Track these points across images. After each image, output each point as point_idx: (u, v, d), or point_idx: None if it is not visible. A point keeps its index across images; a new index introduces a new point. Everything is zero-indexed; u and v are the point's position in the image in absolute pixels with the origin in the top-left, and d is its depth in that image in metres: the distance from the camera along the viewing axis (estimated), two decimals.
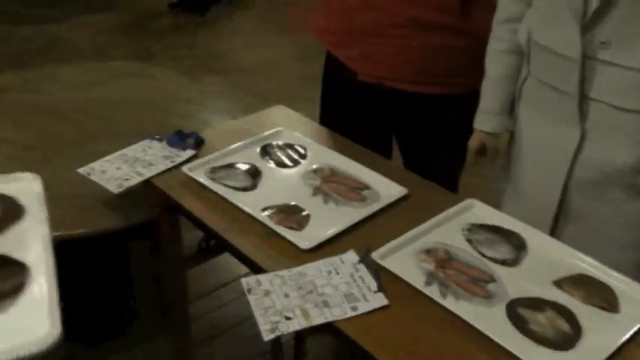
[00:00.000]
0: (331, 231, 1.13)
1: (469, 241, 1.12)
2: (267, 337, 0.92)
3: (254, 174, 1.31)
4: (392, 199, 1.22)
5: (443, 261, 1.06)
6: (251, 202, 1.20)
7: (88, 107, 1.75)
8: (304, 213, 1.19)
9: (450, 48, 1.49)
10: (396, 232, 1.11)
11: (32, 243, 0.91)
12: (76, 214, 1.32)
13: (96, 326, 1.64)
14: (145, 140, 1.41)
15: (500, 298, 0.99)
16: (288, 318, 0.95)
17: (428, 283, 1.01)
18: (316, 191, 1.26)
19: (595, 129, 1.21)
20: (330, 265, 1.05)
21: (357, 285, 1.01)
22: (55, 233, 1.24)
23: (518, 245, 1.11)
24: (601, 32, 1.14)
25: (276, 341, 1.55)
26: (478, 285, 1.01)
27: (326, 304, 0.98)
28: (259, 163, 1.34)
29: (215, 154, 1.35)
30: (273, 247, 1.11)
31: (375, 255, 1.06)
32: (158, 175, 1.30)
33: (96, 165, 1.33)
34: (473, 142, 1.43)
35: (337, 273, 1.04)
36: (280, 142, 1.42)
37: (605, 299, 1.00)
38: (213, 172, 1.30)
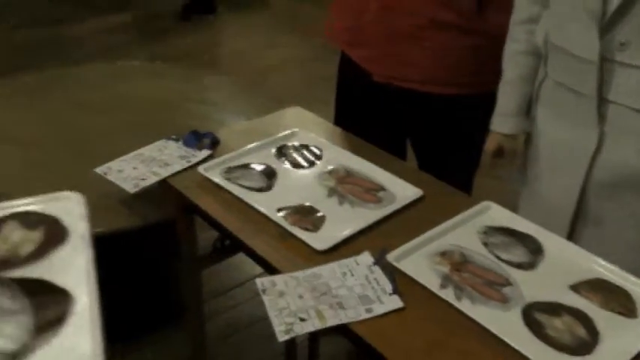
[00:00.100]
0: (346, 232, 1.13)
1: (485, 244, 1.11)
2: (282, 338, 0.92)
3: (269, 174, 1.31)
4: (407, 201, 1.22)
5: (458, 264, 1.06)
6: (266, 203, 1.20)
7: (104, 107, 1.76)
8: (319, 214, 1.19)
9: (464, 49, 1.48)
10: (411, 234, 1.11)
11: (75, 268, 0.87)
12: (91, 213, 1.33)
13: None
14: (161, 140, 1.42)
15: (516, 302, 0.98)
16: (302, 319, 0.95)
17: (443, 286, 1.01)
18: (331, 192, 1.26)
19: (613, 131, 1.20)
20: (345, 266, 1.05)
21: (372, 287, 1.01)
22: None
23: (535, 249, 1.11)
24: (620, 33, 1.13)
25: (291, 342, 1.55)
26: (494, 288, 1.01)
27: (340, 305, 0.98)
28: (275, 164, 1.35)
29: (231, 154, 1.36)
30: (288, 247, 1.11)
31: (390, 257, 1.06)
32: (174, 175, 1.30)
33: (113, 164, 1.34)
34: (489, 144, 1.42)
35: (352, 275, 1.03)
36: (296, 143, 1.42)
37: (623, 304, 0.99)
38: (229, 172, 1.30)
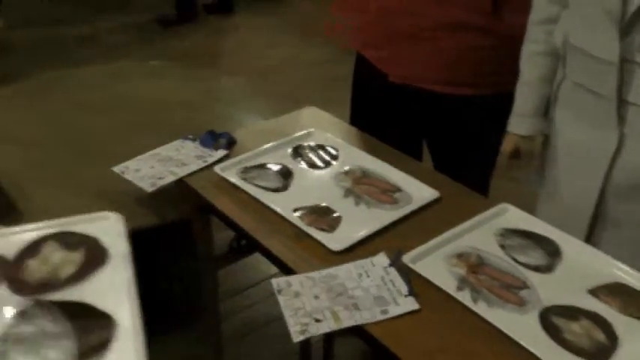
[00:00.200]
0: (362, 233, 1.12)
1: (502, 246, 1.10)
2: (297, 338, 0.92)
3: (285, 174, 1.31)
4: (424, 202, 1.21)
5: (475, 266, 1.05)
6: (282, 203, 1.20)
7: (121, 106, 1.77)
8: (335, 214, 1.19)
9: (480, 49, 1.47)
10: (427, 235, 1.11)
11: (117, 291, 0.85)
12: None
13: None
14: (178, 140, 1.43)
15: (533, 305, 0.97)
16: (317, 320, 0.95)
17: (459, 289, 1.00)
18: (347, 193, 1.25)
19: (633, 133, 1.18)
20: (361, 267, 1.05)
21: (388, 288, 1.01)
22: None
23: (552, 251, 1.09)
24: None
25: (306, 342, 1.55)
26: (511, 291, 1.00)
27: (356, 306, 0.97)
28: (291, 164, 1.35)
29: (247, 154, 1.36)
30: (304, 248, 1.11)
31: (406, 258, 1.05)
32: (191, 174, 1.31)
33: (130, 163, 1.35)
34: (506, 145, 1.41)
35: (368, 276, 1.03)
36: (312, 143, 1.42)
37: None
38: (245, 172, 1.31)
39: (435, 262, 1.06)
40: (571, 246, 1.11)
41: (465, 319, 0.95)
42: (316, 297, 0.99)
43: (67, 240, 0.93)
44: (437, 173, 1.39)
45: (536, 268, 1.05)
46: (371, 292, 1.00)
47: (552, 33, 1.30)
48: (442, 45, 1.48)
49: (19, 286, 0.85)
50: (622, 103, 1.17)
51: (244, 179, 1.28)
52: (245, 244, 1.41)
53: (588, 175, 1.26)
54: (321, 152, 1.39)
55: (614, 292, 1.00)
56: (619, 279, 1.03)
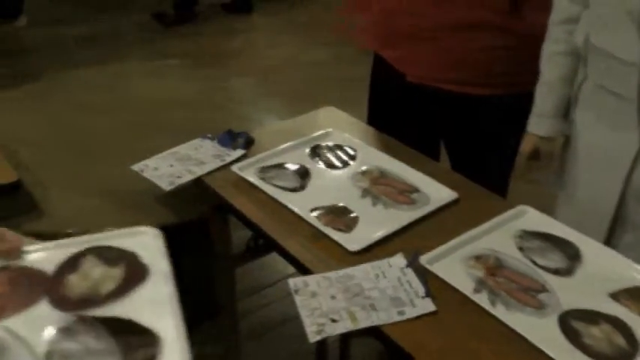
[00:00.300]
0: (379, 234, 1.12)
1: (520, 248, 1.09)
2: (314, 338, 0.92)
3: (303, 174, 1.31)
4: (441, 203, 1.21)
5: (493, 268, 1.04)
6: (300, 203, 1.20)
7: (137, 105, 1.78)
8: (352, 215, 1.18)
9: (499, 49, 1.46)
10: (445, 236, 1.10)
11: (160, 307, 0.83)
12: (127, 210, 1.35)
13: None
14: (196, 139, 1.43)
15: (552, 308, 0.96)
16: (334, 320, 0.95)
17: (477, 291, 0.99)
18: (365, 193, 1.25)
19: None
20: (378, 268, 1.05)
21: (405, 289, 1.00)
22: (107, 228, 1.29)
23: (572, 254, 1.08)
24: None
25: (322, 342, 1.55)
26: (529, 294, 0.99)
27: (373, 307, 0.97)
28: (309, 164, 1.35)
29: (265, 153, 1.36)
30: (321, 248, 1.11)
31: (423, 259, 1.05)
32: (208, 173, 1.31)
33: (149, 162, 1.36)
34: (525, 146, 1.40)
35: (385, 276, 1.03)
36: (330, 143, 1.42)
37: None
38: (263, 171, 1.31)
39: (452, 263, 1.05)
40: (591, 249, 1.09)
41: (482, 322, 0.94)
42: (333, 297, 0.99)
43: (106, 255, 0.92)
44: (455, 174, 1.38)
45: (556, 271, 1.04)
46: (388, 293, 0.99)
47: (573, 33, 1.28)
48: (459, 45, 1.47)
49: (60, 301, 0.84)
50: None
51: (262, 179, 1.28)
52: (262, 244, 1.41)
53: (609, 177, 1.25)
54: (339, 152, 1.39)
55: (635, 296, 0.99)
56: None
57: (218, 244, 1.39)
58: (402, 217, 1.17)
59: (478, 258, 1.06)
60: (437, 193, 1.24)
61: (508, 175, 1.66)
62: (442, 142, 1.72)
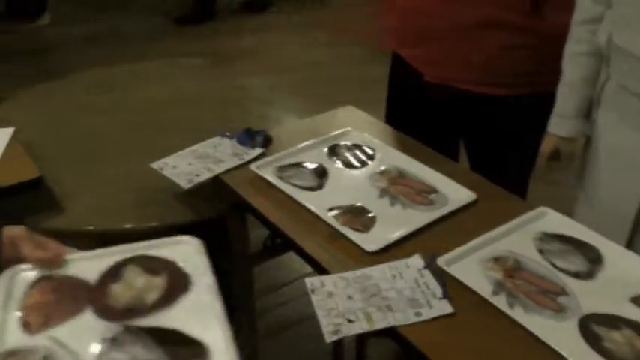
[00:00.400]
0: (397, 234, 1.12)
1: (540, 250, 1.08)
2: (330, 338, 0.92)
3: (321, 174, 1.31)
4: (460, 204, 1.20)
5: (512, 270, 1.03)
6: (317, 202, 1.20)
7: (155, 103, 1.79)
8: (370, 215, 1.18)
9: (518, 48, 1.45)
10: (463, 238, 1.09)
11: (206, 317, 0.81)
12: (146, 207, 1.36)
13: None
14: (215, 137, 1.44)
15: (572, 312, 0.95)
16: (350, 320, 0.95)
17: (495, 293, 0.98)
18: (383, 193, 1.25)
19: None
20: (395, 268, 1.04)
21: (422, 291, 1.00)
22: (126, 226, 1.30)
23: (593, 257, 1.07)
24: None
25: (338, 342, 1.55)
26: (549, 297, 0.98)
27: (389, 308, 0.97)
28: (327, 163, 1.35)
29: (283, 152, 1.36)
30: (338, 248, 1.10)
31: (441, 261, 1.04)
32: (227, 172, 1.32)
33: (168, 160, 1.37)
34: (545, 146, 1.39)
35: (402, 277, 1.02)
36: (348, 143, 1.42)
37: None
38: (281, 170, 1.31)
39: (470, 265, 1.04)
40: (612, 252, 1.08)
41: (500, 324, 0.93)
42: (349, 297, 0.99)
43: (149, 264, 0.91)
44: (474, 174, 1.37)
45: (576, 274, 1.03)
46: (405, 294, 0.99)
47: (596, 33, 1.27)
48: (478, 44, 1.46)
49: (104, 311, 0.83)
50: None
51: (280, 178, 1.28)
52: (279, 243, 1.41)
53: (631, 180, 1.23)
54: (358, 152, 1.39)
55: None
56: None
57: (236, 243, 1.39)
58: (420, 217, 1.16)
59: (497, 260, 1.05)
60: (455, 193, 1.23)
61: (528, 176, 1.64)
62: (461, 142, 1.71)
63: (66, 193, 1.37)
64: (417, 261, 1.05)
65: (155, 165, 1.35)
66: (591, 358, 0.87)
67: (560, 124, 1.36)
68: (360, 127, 1.48)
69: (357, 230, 1.13)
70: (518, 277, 1.02)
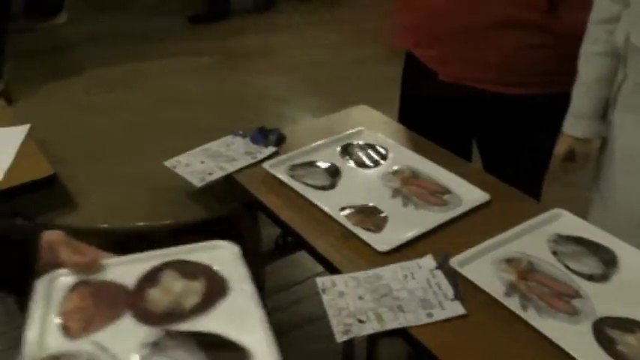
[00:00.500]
0: (409, 234, 1.11)
1: (554, 252, 1.07)
2: (340, 338, 0.92)
3: (334, 173, 1.31)
4: (473, 205, 1.19)
5: (525, 272, 1.02)
6: (329, 202, 1.20)
7: (170, 102, 1.80)
8: (382, 215, 1.17)
9: (535, 47, 1.43)
10: (476, 238, 1.08)
11: (246, 321, 0.81)
12: (159, 205, 1.36)
13: None
14: (228, 136, 1.44)
15: (586, 315, 0.94)
16: (361, 321, 0.94)
17: (508, 294, 0.97)
18: (395, 193, 1.24)
19: None
20: (407, 269, 1.04)
21: (434, 291, 0.99)
22: (138, 224, 1.31)
23: (608, 260, 1.05)
24: None
25: (349, 342, 1.54)
26: (562, 300, 0.97)
27: (400, 308, 0.96)
28: (339, 163, 1.34)
29: (296, 151, 1.36)
30: (350, 247, 1.10)
31: (454, 262, 1.03)
32: (239, 170, 1.32)
33: (181, 158, 1.37)
34: (560, 147, 1.37)
35: (413, 278, 1.02)
36: (361, 142, 1.41)
37: None
38: (294, 169, 1.31)
39: (483, 266, 1.04)
40: (628, 255, 1.06)
41: (512, 327, 0.93)
42: (360, 297, 0.98)
43: (185, 269, 0.90)
44: (487, 175, 1.36)
45: (590, 277, 1.02)
46: (416, 295, 0.98)
47: (613, 33, 1.25)
48: (494, 43, 1.44)
49: (144, 315, 0.83)
50: None
51: (292, 176, 1.28)
52: (291, 241, 1.41)
53: None
54: (371, 151, 1.38)
55: None
56: None
57: (247, 241, 1.39)
58: (433, 218, 1.16)
59: (510, 261, 1.05)
60: (469, 194, 1.22)
61: (542, 176, 1.63)
62: (474, 142, 1.70)
63: (79, 191, 1.37)
64: (429, 262, 1.05)
65: (168, 163, 1.36)
66: None
67: (576, 125, 1.35)
68: (373, 126, 1.47)
69: (369, 230, 1.13)
70: (531, 279, 1.01)
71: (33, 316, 0.82)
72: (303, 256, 1.30)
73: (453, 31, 1.48)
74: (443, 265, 1.03)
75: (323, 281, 1.02)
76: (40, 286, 0.86)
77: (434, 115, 1.64)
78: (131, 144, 1.59)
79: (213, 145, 1.41)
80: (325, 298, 0.99)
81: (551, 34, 1.42)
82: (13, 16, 3.45)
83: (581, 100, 1.33)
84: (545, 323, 0.92)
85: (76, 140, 1.61)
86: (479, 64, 1.48)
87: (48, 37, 4.02)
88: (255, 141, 1.41)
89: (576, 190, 1.58)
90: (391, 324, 0.93)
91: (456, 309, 0.95)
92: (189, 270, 0.90)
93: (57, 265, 0.88)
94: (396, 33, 1.65)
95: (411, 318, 0.94)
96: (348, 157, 1.36)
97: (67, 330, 0.81)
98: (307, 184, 1.26)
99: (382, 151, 1.38)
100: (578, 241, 1.10)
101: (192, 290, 0.87)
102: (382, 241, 1.09)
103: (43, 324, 0.81)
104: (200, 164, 1.35)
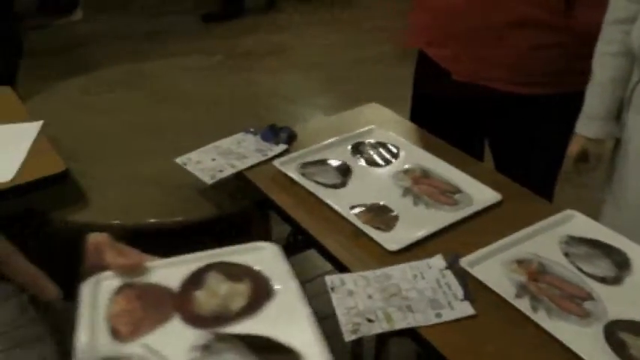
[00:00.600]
0: (419, 234, 1.10)
1: (566, 254, 1.06)
2: (349, 338, 0.92)
3: (345, 171, 1.30)
4: (484, 205, 1.18)
5: (536, 273, 1.01)
6: (340, 200, 1.20)
7: (182, 100, 1.80)
8: (393, 214, 1.17)
9: (550, 47, 1.42)
10: (486, 239, 1.07)
11: (295, 323, 0.79)
12: (170, 202, 1.36)
13: None
14: (239, 133, 1.44)
15: (597, 318, 0.93)
16: (370, 320, 0.94)
17: (518, 296, 0.97)
18: (406, 192, 1.23)
19: None
20: (417, 268, 1.03)
21: (443, 291, 0.98)
22: (150, 220, 1.31)
23: (621, 262, 1.04)
24: None
25: (358, 341, 1.54)
26: (574, 302, 0.96)
27: (410, 308, 0.96)
28: (350, 161, 1.34)
29: (307, 149, 1.36)
30: (360, 246, 1.10)
31: (464, 262, 1.03)
32: (250, 168, 1.32)
33: (192, 155, 1.37)
34: (573, 147, 1.36)
35: (423, 277, 1.01)
36: (372, 141, 1.41)
37: None
38: (304, 167, 1.31)
39: (493, 267, 1.03)
40: None
41: (522, 328, 0.92)
42: (369, 297, 0.98)
43: (230, 271, 0.88)
44: (499, 175, 1.35)
45: (603, 279, 1.01)
46: (426, 295, 0.98)
47: (629, 33, 1.24)
48: (509, 42, 1.43)
49: (192, 318, 0.81)
50: None
51: (303, 174, 1.28)
52: (301, 239, 1.41)
53: None
54: (382, 150, 1.38)
55: None
56: None
57: (258, 239, 1.39)
58: (444, 217, 1.15)
59: (520, 262, 1.04)
60: (480, 194, 1.21)
61: (554, 177, 1.62)
62: (486, 142, 1.69)
63: (91, 187, 1.38)
64: (438, 261, 1.04)
65: (179, 160, 1.36)
66: None
67: (589, 125, 1.33)
68: (384, 124, 1.47)
69: (379, 229, 1.12)
70: (542, 281, 1.00)
71: (82, 319, 0.80)
72: (314, 253, 1.30)
73: (468, 30, 1.47)
74: (453, 265, 1.03)
75: (332, 280, 1.01)
76: (86, 289, 0.86)
77: (446, 115, 1.63)
78: (143, 142, 1.60)
79: (224, 143, 1.41)
80: (334, 296, 0.98)
81: (567, 34, 1.41)
82: (27, 13, 3.48)
83: (594, 100, 1.32)
84: (555, 325, 0.91)
85: (88, 137, 1.62)
86: (493, 64, 1.48)
87: (62, 34, 4.05)
88: (265, 138, 1.41)
89: (589, 192, 1.57)
90: (400, 324, 0.93)
91: (466, 309, 0.95)
92: (233, 272, 0.88)
93: (102, 267, 0.88)
94: (408, 32, 1.64)
95: (420, 318, 0.94)
96: (359, 156, 1.36)
97: (116, 333, 0.80)
98: (318, 182, 1.26)
99: (393, 149, 1.38)
100: (591, 242, 1.09)
101: (238, 292, 0.85)
102: (392, 240, 1.09)
103: (93, 327, 0.80)
104: (211, 161, 1.35)
